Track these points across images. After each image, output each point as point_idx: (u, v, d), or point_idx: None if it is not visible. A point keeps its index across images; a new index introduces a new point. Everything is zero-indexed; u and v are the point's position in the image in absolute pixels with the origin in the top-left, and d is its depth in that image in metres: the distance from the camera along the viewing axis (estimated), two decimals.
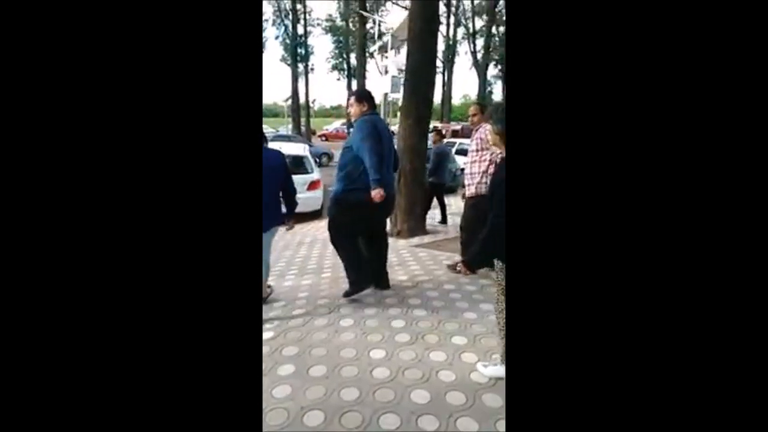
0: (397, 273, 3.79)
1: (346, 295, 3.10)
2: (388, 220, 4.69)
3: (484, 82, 26.95)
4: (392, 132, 3.33)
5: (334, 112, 61.71)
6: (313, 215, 7.14)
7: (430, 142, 6.82)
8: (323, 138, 28.98)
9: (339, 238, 3.07)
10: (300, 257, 4.57)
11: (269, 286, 3.26)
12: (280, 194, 2.94)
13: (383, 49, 6.83)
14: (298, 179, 7.23)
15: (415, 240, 5.30)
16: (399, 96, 7.39)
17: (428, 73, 5.36)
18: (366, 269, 3.10)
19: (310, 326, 2.70)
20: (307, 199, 7.15)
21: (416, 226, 5.63)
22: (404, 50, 6.16)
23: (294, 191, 3.10)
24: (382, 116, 7.55)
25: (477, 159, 3.62)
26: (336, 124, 34.08)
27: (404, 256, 4.41)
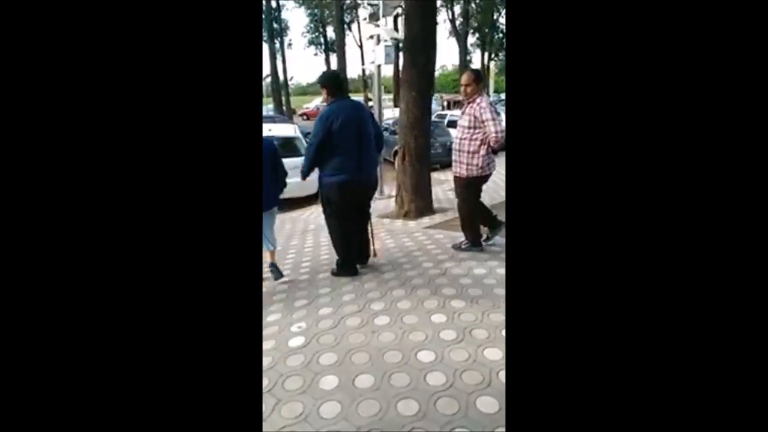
0: (420, 260, 3.56)
1: (333, 273, 3.31)
2: (393, 202, 4.45)
3: (465, 51, 26.39)
4: (370, 114, 3.29)
5: (311, 89, 60.20)
6: (309, 199, 6.81)
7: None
8: (304, 117, 28.15)
9: (327, 219, 3.25)
10: (309, 246, 4.30)
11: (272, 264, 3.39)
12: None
13: (374, 17, 6.38)
14: (290, 162, 6.86)
15: (426, 220, 5.06)
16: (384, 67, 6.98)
17: (429, 41, 5.00)
18: (351, 251, 3.26)
19: (344, 328, 2.47)
20: (302, 182, 6.78)
21: (424, 206, 5.38)
22: (399, 18, 5.76)
23: (284, 174, 3.36)
24: (375, 92, 7.21)
25: (468, 137, 3.33)
26: (316, 102, 33.08)
27: (421, 240, 4.17)
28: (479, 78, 3.45)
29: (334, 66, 22.93)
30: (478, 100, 3.32)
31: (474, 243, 3.69)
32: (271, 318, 2.68)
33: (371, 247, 3.53)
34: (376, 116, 5.13)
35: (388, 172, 7.23)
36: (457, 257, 3.55)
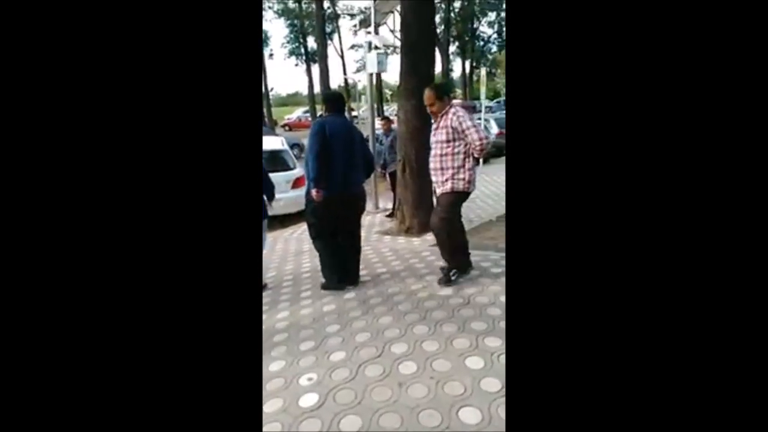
0: (436, 286, 3.20)
1: (323, 287, 3.32)
2: (386, 216, 4.14)
3: (447, 60, 26.42)
4: (356, 129, 3.38)
5: (291, 100, 59.68)
6: (300, 216, 6.40)
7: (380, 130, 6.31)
8: (287, 128, 27.69)
9: (312, 237, 3.28)
10: (306, 271, 3.89)
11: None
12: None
13: (364, 24, 6.09)
14: (279, 177, 6.46)
15: (430, 237, 4.70)
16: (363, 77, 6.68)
17: (428, 46, 4.71)
18: (337, 268, 3.27)
19: (364, 379, 2.08)
20: (291, 198, 6.38)
21: (427, 221, 5.04)
22: (392, 24, 5.49)
23: (272, 187, 3.49)
24: (369, 104, 6.86)
25: (449, 152, 2.99)
26: (297, 113, 32.67)
27: (431, 261, 3.82)
28: (441, 93, 3.09)
29: (315, 75, 22.63)
30: (452, 111, 3.00)
31: (462, 267, 3.28)
32: (274, 367, 2.27)
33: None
34: (368, 129, 4.83)
35: (381, 183, 6.88)
36: (476, 281, 3.21)
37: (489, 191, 6.93)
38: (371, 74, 6.27)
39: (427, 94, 3.09)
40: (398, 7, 4.95)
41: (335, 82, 21.17)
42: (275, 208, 6.53)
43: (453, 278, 3.21)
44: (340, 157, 2.99)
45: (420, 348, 2.32)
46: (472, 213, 5.51)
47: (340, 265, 3.26)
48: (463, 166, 3.00)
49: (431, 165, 3.14)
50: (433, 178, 3.16)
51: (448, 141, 2.99)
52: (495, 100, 28.29)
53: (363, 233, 3.70)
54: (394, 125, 5.76)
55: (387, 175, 5.84)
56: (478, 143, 2.89)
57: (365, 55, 6.12)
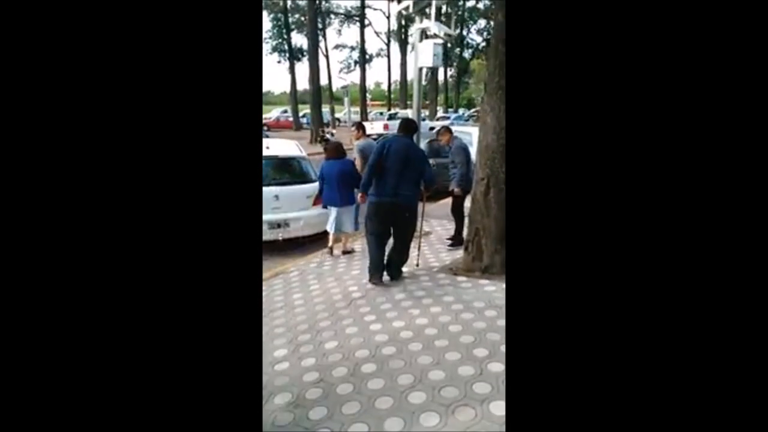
0: None
1: (370, 280, 3.64)
2: (466, 254, 3.94)
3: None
4: (416, 149, 3.77)
5: (274, 99, 57.44)
6: (317, 239, 5.14)
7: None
8: (266, 128, 26.02)
9: (366, 235, 3.74)
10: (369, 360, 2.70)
11: None
12: None
13: (419, 7, 4.94)
14: (296, 191, 5.14)
15: None
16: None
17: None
18: (379, 265, 3.63)
19: None
20: (313, 217, 5.08)
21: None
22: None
23: None
24: (415, 105, 5.63)
25: None
26: (275, 113, 31.00)
27: None
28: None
29: (301, 73, 21.28)
30: None
31: None
32: None
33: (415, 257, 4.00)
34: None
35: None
36: None
37: None
38: (421, 69, 5.13)
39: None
40: None
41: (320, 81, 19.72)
42: (292, 230, 5.23)
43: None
44: (393, 171, 3.47)
45: None
46: None
47: (382, 261, 3.65)
48: None
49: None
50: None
51: None
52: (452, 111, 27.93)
53: (422, 269, 4.00)
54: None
55: (458, 190, 4.70)
56: None
57: (415, 44, 4.98)
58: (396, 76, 30.93)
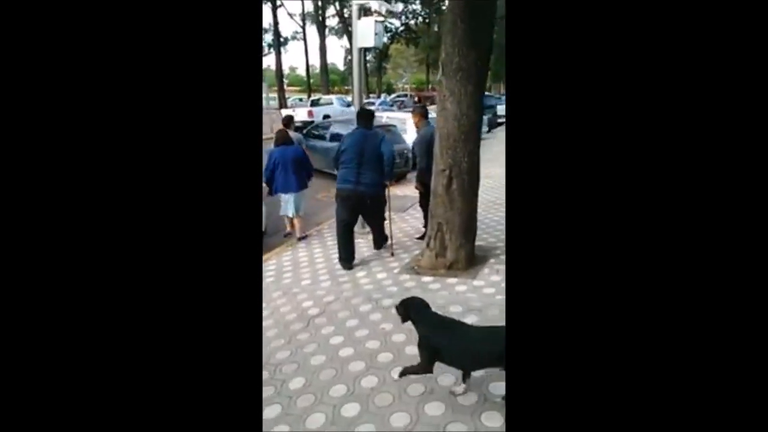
0: None
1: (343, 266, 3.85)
2: (428, 250, 3.68)
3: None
4: (373, 137, 3.86)
5: None
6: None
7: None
8: None
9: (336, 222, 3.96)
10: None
11: None
12: None
13: None
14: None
15: (494, 277, 3.40)
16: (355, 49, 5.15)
17: (489, 11, 3.36)
18: (348, 250, 3.87)
19: None
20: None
21: (472, 252, 3.72)
22: None
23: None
24: (356, 87, 5.11)
25: None
26: None
27: None
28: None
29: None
30: None
31: None
32: None
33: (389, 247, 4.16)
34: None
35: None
36: None
37: None
38: (361, 50, 4.70)
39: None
40: None
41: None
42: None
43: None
44: (353, 161, 3.72)
45: None
46: None
47: (349, 247, 3.86)
48: None
49: None
50: None
51: None
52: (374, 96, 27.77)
53: (383, 272, 3.73)
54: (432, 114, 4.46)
55: (418, 185, 4.36)
56: None
57: (353, 22, 4.52)
58: (313, 60, 29.77)
